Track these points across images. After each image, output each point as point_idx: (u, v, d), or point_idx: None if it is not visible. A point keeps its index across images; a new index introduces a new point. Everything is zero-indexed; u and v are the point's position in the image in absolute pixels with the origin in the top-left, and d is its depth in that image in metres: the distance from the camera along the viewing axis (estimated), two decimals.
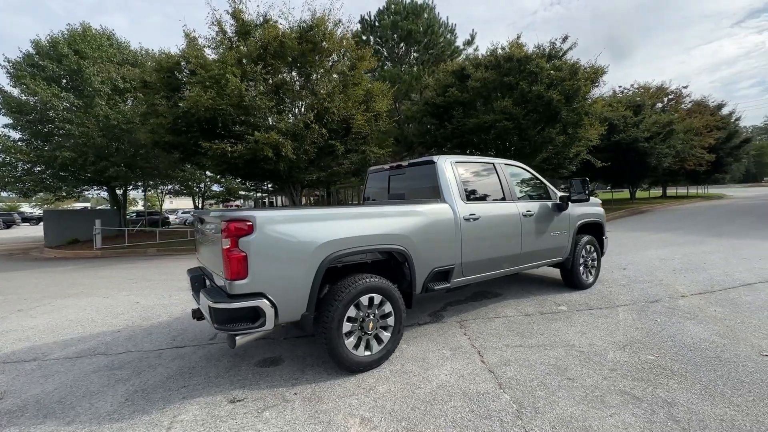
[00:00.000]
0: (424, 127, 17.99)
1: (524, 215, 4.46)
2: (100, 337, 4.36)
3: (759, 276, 5.73)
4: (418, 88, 22.11)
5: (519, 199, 4.58)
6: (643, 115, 21.58)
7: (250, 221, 2.62)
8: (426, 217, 3.55)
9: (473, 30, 25.65)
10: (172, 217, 33.89)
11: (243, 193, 34.55)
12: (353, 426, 2.40)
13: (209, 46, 11.76)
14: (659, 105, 27.53)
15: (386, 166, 4.82)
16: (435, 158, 4.03)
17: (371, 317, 3.16)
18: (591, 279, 5.52)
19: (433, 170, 4.01)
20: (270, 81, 11.30)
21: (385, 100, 13.97)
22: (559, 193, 5.09)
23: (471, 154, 18.31)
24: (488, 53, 16.53)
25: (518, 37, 15.90)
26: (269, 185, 17.61)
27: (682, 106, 29.90)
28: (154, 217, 25.76)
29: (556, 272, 5.94)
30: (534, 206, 4.65)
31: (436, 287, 3.65)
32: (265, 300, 2.65)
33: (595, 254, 5.55)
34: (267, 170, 12.18)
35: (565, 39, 14.91)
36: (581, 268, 5.33)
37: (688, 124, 24.07)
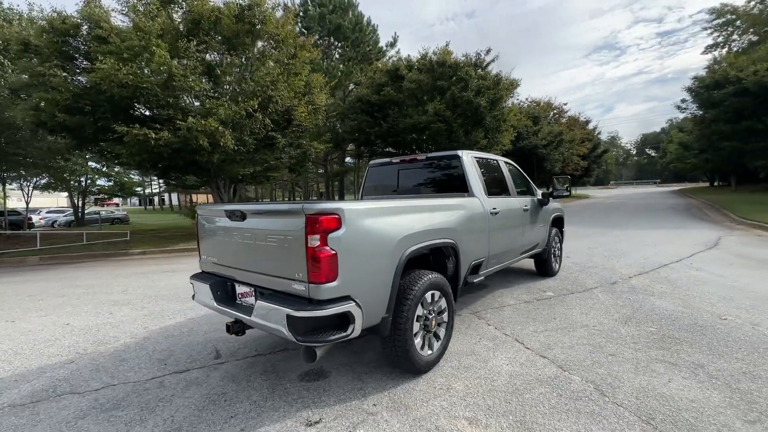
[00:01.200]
0: (357, 125, 17.92)
1: (524, 209, 4.80)
2: (47, 372, 3.30)
3: (667, 258, 7.16)
4: (346, 85, 21.94)
5: (518, 194, 4.90)
6: (540, 126, 25.04)
7: (338, 214, 2.28)
8: (467, 211, 3.56)
9: (395, 33, 26.49)
10: (35, 218, 27.33)
11: (138, 189, 29.71)
12: (465, 428, 2.29)
13: (119, 11, 9.80)
14: (547, 118, 32.27)
15: (395, 159, 4.68)
16: (459, 152, 4.05)
17: (432, 314, 3.04)
18: (557, 267, 6.21)
19: (459, 164, 4.03)
20: (204, 60, 9.94)
21: (323, 93, 13.52)
22: (540, 190, 5.60)
23: (404, 153, 18.92)
24: (420, 56, 17.23)
25: (447, 45, 16.91)
26: (184, 179, 15.46)
27: (563, 119, 35.55)
28: (15, 217, 20.45)
29: (518, 263, 6.51)
30: (528, 201, 5.03)
31: (475, 280, 3.70)
32: (353, 303, 2.35)
33: (559, 244, 6.26)
34: (195, 162, 10.71)
35: (488, 51, 16.41)
36: (552, 257, 5.96)
37: (572, 135, 28.79)
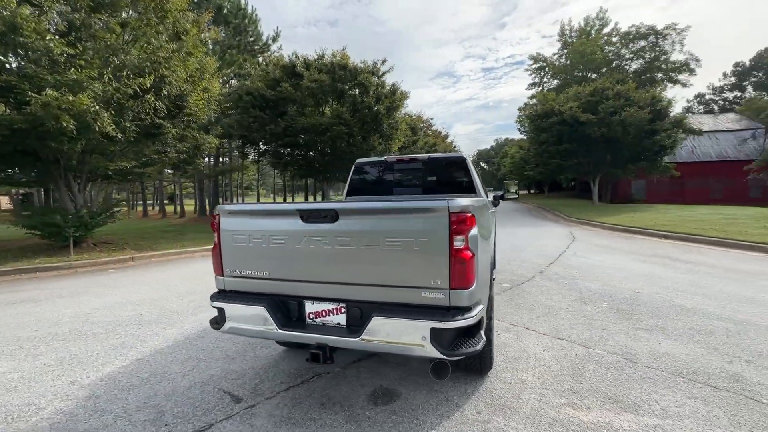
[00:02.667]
0: (249, 120, 16.26)
1: (492, 211, 5.28)
2: None
3: (555, 249, 8.90)
4: (228, 75, 19.63)
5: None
6: (418, 136, 27.59)
7: (471, 212, 2.11)
8: (489, 210, 3.73)
9: (277, 27, 25.11)
10: None
11: None
12: (575, 414, 2.42)
13: None
14: (422, 130, 35.83)
15: (390, 158, 4.50)
16: (463, 155, 4.20)
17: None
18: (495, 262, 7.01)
19: (465, 165, 4.17)
20: (65, 14, 7.42)
21: (216, 80, 11.87)
22: (492, 192, 6.24)
23: (300, 154, 18.09)
24: (317, 56, 16.83)
25: (344, 49, 17.00)
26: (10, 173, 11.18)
27: (429, 132, 39.98)
28: None
29: None
30: (489, 202, 5.55)
31: (493, 277, 3.88)
32: (482, 307, 2.20)
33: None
34: (35, 152, 7.91)
35: (384, 61, 17.19)
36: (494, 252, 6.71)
37: (444, 146, 32.67)
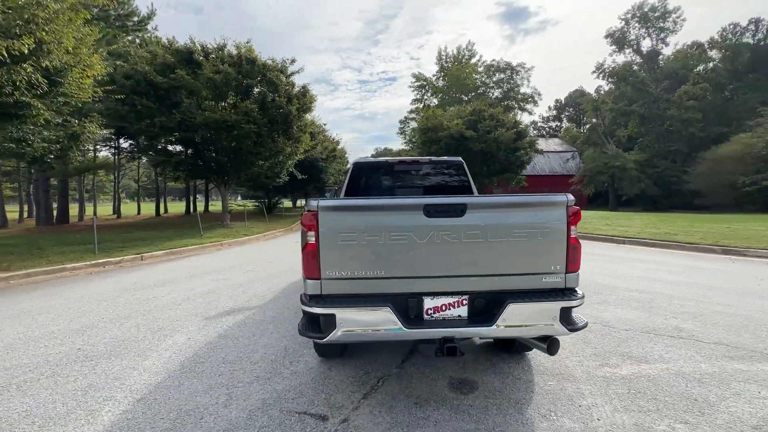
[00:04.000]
0: (125, 109, 13.53)
1: None
2: None
3: None
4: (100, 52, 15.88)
5: None
6: (317, 141, 27.26)
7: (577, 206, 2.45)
8: None
9: (152, 4, 21.58)
10: None
11: None
12: (622, 366, 3.00)
13: None
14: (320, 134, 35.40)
15: (391, 160, 4.55)
16: (460, 159, 4.55)
17: None
18: None
19: (462, 169, 4.53)
20: None
21: (98, 56, 9.72)
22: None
23: (195, 152, 16.02)
24: (218, 46, 15.21)
25: (249, 42, 15.79)
26: None
27: (322, 136, 39.84)
28: None
29: None
30: None
31: None
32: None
33: None
34: None
35: (293, 61, 16.57)
36: None
37: (339, 152, 32.92)
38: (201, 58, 14.30)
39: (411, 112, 48.99)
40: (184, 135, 14.24)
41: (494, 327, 2.22)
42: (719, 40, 41.45)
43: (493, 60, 40.21)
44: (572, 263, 2.33)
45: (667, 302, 4.81)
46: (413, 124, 49.95)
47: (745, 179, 24.55)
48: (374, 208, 2.31)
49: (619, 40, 39.97)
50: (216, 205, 37.28)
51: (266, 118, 14.97)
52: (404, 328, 2.19)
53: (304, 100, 16.38)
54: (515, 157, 25.87)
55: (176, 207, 41.08)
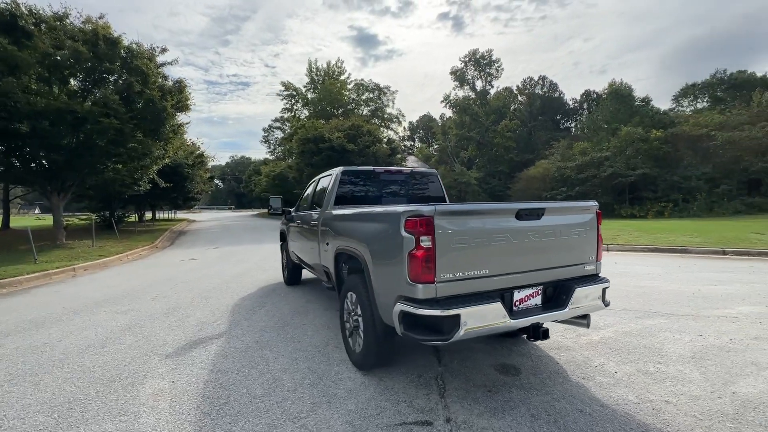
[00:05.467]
0: None
1: None
2: None
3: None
4: None
5: None
6: (179, 144, 23.65)
7: None
8: None
9: None
10: None
11: None
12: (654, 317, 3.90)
13: None
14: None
15: (378, 169, 4.63)
16: (436, 170, 4.99)
17: None
18: None
19: (437, 179, 4.97)
20: None
21: None
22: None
23: (13, 148, 11.99)
24: (55, 15, 11.82)
25: (102, 17, 12.80)
26: None
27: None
28: None
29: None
30: None
31: None
32: None
33: None
34: None
35: (164, 50, 14.13)
36: None
37: (205, 158, 29.14)
38: (30, 26, 10.82)
39: (277, 120, 47.54)
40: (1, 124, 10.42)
41: (567, 310, 2.71)
42: (522, 87, 54.90)
43: (362, 79, 42.91)
44: (599, 254, 3.04)
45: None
46: (279, 134, 48.56)
47: (546, 194, 32.98)
48: (481, 212, 2.52)
49: (460, 77, 48.38)
50: (21, 221, 28.02)
51: (132, 112, 12.35)
52: (510, 320, 2.47)
53: (180, 96, 14.18)
54: None
55: None
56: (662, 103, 61.49)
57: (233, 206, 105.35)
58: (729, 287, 5.85)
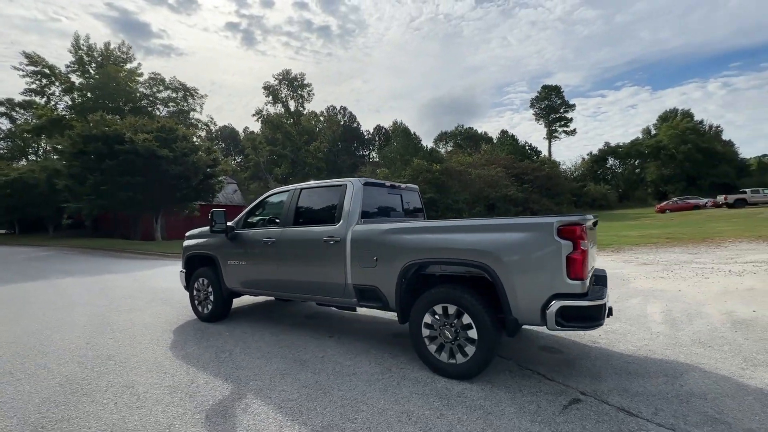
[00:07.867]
0: None
1: None
2: None
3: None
4: None
5: None
6: None
7: None
8: None
9: None
10: None
11: None
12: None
13: None
14: None
15: (387, 183, 4.70)
16: (415, 185, 5.47)
17: None
18: None
19: (418, 195, 5.47)
20: None
21: None
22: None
23: None
24: None
25: None
26: None
27: None
28: None
29: None
30: None
31: None
32: None
33: None
34: None
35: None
36: None
37: None
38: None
39: (19, 105, 33.67)
40: None
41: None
42: (327, 114, 59.79)
43: (157, 74, 35.74)
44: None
45: None
46: (8, 124, 33.90)
47: None
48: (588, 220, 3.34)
49: (274, 94, 47.99)
50: None
51: None
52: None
53: None
54: (209, 184, 24.91)
55: None
56: (427, 142, 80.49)
57: None
58: None
